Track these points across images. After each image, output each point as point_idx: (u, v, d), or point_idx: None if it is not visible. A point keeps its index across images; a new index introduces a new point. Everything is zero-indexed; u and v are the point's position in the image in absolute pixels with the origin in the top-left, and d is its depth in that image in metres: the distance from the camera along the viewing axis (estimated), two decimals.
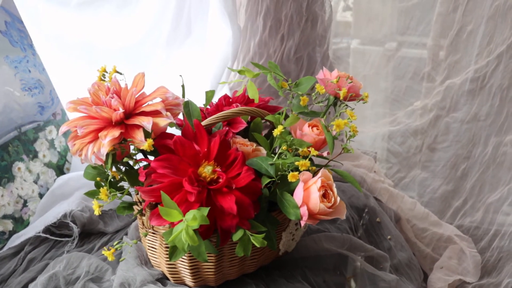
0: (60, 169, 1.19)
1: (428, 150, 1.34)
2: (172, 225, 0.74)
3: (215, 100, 1.01)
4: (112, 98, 0.77)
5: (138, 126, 0.76)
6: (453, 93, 1.26)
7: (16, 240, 1.02)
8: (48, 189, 1.14)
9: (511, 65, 1.18)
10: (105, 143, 0.73)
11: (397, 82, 1.35)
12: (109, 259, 0.73)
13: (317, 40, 1.28)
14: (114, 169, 0.79)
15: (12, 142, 1.07)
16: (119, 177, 0.78)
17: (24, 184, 1.09)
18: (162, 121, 0.76)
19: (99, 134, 0.74)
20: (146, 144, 0.73)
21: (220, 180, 0.75)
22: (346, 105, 0.93)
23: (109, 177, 0.77)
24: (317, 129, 0.87)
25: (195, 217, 0.64)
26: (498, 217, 1.20)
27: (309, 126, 0.87)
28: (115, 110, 0.76)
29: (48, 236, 1.03)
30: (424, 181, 1.34)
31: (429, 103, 1.30)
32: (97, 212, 0.74)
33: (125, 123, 0.77)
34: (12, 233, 1.05)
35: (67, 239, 1.04)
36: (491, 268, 1.16)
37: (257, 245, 0.72)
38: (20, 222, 1.07)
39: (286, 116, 0.88)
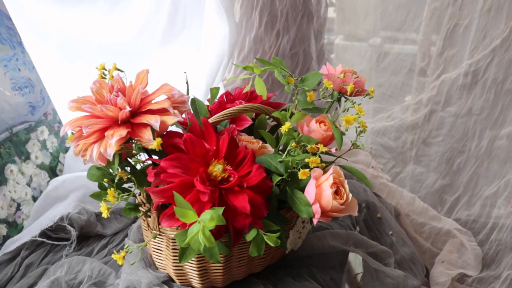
0: (53, 171, 1.15)
1: (423, 144, 1.34)
2: (183, 226, 0.72)
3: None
4: (117, 96, 0.74)
5: (145, 125, 0.73)
6: (448, 88, 1.26)
7: (11, 245, 0.98)
8: (41, 191, 1.10)
9: (505, 59, 1.19)
10: (112, 143, 0.70)
11: (393, 78, 1.34)
12: (119, 263, 0.70)
13: (313, 35, 1.27)
14: (120, 169, 0.76)
15: (4, 144, 1.03)
16: (126, 178, 0.75)
17: (17, 187, 1.05)
18: (169, 119, 0.74)
19: (106, 134, 0.71)
20: (155, 143, 0.71)
21: (231, 179, 0.73)
22: (353, 101, 0.92)
23: (116, 178, 0.74)
24: (325, 125, 0.85)
25: (212, 217, 0.62)
26: (495, 210, 1.21)
27: (316, 122, 0.85)
28: (121, 108, 0.73)
29: (44, 240, 0.99)
30: (420, 176, 1.34)
31: (424, 97, 1.30)
32: (105, 214, 0.71)
33: (131, 122, 0.74)
34: (6, 238, 1.01)
35: (64, 242, 1.00)
36: (490, 260, 1.17)
37: (272, 245, 0.71)
38: (14, 227, 1.03)
39: (291, 113, 0.87)
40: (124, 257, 0.81)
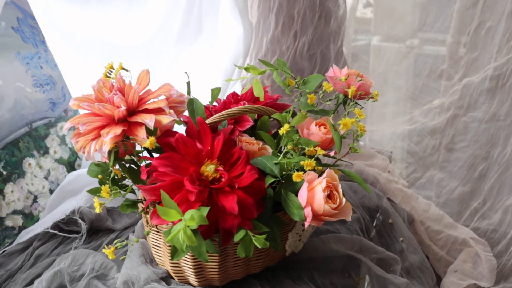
0: (71, 165, 1.19)
1: (445, 150, 1.30)
2: (173, 224, 0.73)
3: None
4: (115, 95, 0.76)
5: (140, 124, 0.75)
6: (472, 92, 1.22)
7: (25, 235, 1.03)
8: (58, 185, 1.14)
9: None
10: (106, 141, 0.72)
11: (414, 80, 1.31)
12: (110, 257, 0.72)
13: (330, 37, 1.26)
14: (118, 166, 0.78)
15: (23, 138, 1.08)
16: (121, 175, 0.77)
17: (34, 180, 1.09)
18: (165, 119, 0.76)
19: (101, 132, 0.74)
20: (148, 142, 0.73)
21: (223, 179, 0.74)
22: (356, 103, 0.90)
23: (112, 175, 0.76)
24: (325, 128, 0.85)
25: (192, 217, 0.63)
26: None
27: (316, 125, 0.85)
28: (118, 107, 0.75)
29: (56, 232, 1.03)
30: (441, 182, 1.30)
31: (446, 101, 1.26)
32: (98, 210, 0.74)
33: (128, 120, 0.76)
34: (21, 228, 1.05)
35: (75, 235, 1.04)
36: (508, 272, 1.12)
37: (259, 246, 0.71)
38: (30, 218, 1.07)
39: (295, 115, 0.87)
40: (124, 252, 0.83)
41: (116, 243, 0.73)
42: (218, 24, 1.15)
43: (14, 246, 1.01)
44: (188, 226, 0.66)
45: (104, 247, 0.73)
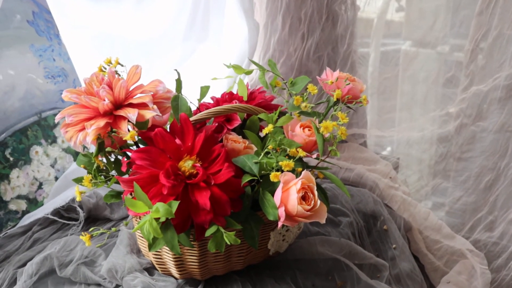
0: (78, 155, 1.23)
1: (452, 159, 1.28)
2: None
3: None
4: (103, 88, 0.79)
5: (124, 117, 0.78)
6: (480, 101, 1.19)
7: (27, 219, 1.08)
8: None
9: None
10: (89, 132, 0.75)
11: (420, 86, 1.29)
12: (87, 244, 0.75)
13: (337, 39, 1.26)
14: (104, 158, 0.81)
15: (32, 127, 1.13)
16: (103, 165, 0.80)
17: (40, 167, 1.14)
18: (148, 113, 0.78)
19: (85, 124, 0.76)
20: (129, 135, 0.75)
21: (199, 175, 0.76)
22: (348, 107, 0.91)
23: (94, 165, 0.79)
24: (309, 130, 0.85)
25: (157, 209, 0.65)
26: None
27: (301, 127, 0.85)
28: (103, 100, 0.78)
29: (56, 218, 1.07)
30: (445, 191, 1.28)
31: (454, 110, 1.24)
32: (78, 198, 0.77)
33: (114, 114, 0.79)
34: (25, 212, 1.10)
35: (73, 222, 1.08)
36: (506, 287, 1.10)
37: (228, 242, 0.72)
38: (34, 203, 1.12)
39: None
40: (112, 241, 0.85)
41: (92, 230, 0.76)
42: (224, 24, 1.17)
43: (15, 229, 1.05)
44: (158, 219, 0.69)
45: (82, 234, 0.76)
